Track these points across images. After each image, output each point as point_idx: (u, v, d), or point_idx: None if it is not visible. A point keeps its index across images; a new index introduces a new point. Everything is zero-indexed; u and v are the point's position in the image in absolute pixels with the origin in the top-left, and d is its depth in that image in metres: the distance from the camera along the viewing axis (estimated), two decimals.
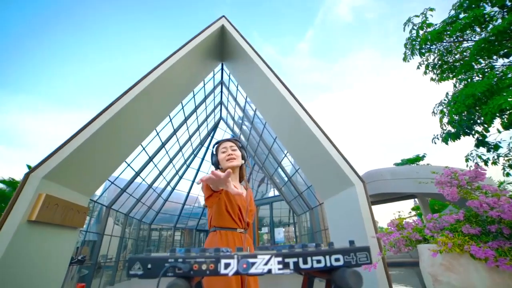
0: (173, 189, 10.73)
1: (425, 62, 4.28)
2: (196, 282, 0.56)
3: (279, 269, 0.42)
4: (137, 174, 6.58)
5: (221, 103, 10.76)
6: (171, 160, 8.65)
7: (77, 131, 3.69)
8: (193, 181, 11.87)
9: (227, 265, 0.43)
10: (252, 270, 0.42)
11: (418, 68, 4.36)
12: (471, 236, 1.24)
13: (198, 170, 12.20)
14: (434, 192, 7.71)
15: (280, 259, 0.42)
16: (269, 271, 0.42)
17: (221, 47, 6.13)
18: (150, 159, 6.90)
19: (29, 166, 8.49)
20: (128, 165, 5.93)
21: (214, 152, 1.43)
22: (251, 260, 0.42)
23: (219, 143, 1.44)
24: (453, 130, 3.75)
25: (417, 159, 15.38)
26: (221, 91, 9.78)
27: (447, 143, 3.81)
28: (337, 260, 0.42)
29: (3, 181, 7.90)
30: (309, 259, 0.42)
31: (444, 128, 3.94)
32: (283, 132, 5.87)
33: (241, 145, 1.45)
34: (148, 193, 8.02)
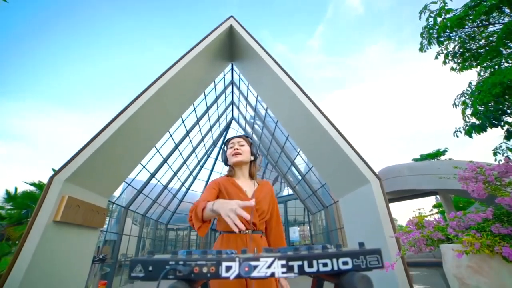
0: (188, 189, 10.94)
1: (444, 51, 4.03)
2: (201, 284, 0.54)
3: (283, 272, 0.39)
4: (152, 175, 6.76)
5: (232, 103, 10.82)
6: (185, 161, 8.81)
7: (95, 135, 3.84)
8: (207, 181, 12.04)
9: (228, 268, 0.41)
10: (254, 274, 0.39)
11: (436, 58, 4.11)
12: (502, 236, 1.14)
13: (211, 170, 12.35)
14: (457, 188, 7.29)
15: (283, 262, 0.39)
16: (272, 274, 0.39)
17: (230, 47, 6.15)
18: (165, 160, 7.07)
19: (54, 170, 9.00)
20: (144, 167, 6.11)
21: (225, 149, 1.38)
22: (253, 263, 0.40)
23: (228, 140, 1.40)
24: (477, 122, 3.51)
25: (438, 153, 14.62)
26: (232, 91, 9.83)
27: (471, 136, 3.57)
28: (345, 263, 0.39)
29: (33, 184, 8.48)
30: (314, 262, 0.39)
31: (467, 120, 3.69)
32: (295, 130, 5.79)
33: (252, 141, 1.39)
34: (163, 194, 8.22)
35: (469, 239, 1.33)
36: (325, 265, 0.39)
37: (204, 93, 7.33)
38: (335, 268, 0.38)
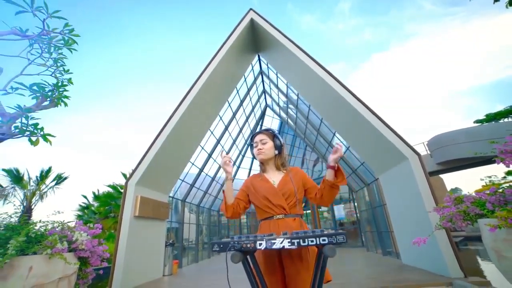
0: (233, 178, 11.79)
1: None
2: (250, 253, 0.91)
3: (288, 245, 0.72)
4: (201, 170, 7.61)
5: (264, 92, 11.04)
6: (227, 153, 9.53)
7: (150, 145, 4.60)
8: (250, 169, 12.81)
9: (260, 244, 0.75)
10: (274, 246, 0.73)
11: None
12: None
13: (253, 158, 13.00)
14: None
15: (289, 240, 0.72)
16: (283, 246, 0.72)
17: (254, 39, 6.32)
18: (209, 155, 7.84)
19: (123, 174, 10.90)
20: (193, 164, 6.93)
21: (252, 144, 1.46)
22: (273, 241, 0.74)
23: (252, 137, 1.47)
24: None
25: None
26: (262, 81, 10.02)
27: None
28: (323, 240, 0.69)
29: (109, 186, 10.50)
30: (306, 240, 0.71)
31: None
32: (328, 112, 5.81)
33: (274, 134, 1.42)
34: (212, 185, 9.15)
35: (503, 213, 1.37)
36: (312, 241, 0.70)
37: (236, 88, 7.72)
38: (318, 242, 0.70)
